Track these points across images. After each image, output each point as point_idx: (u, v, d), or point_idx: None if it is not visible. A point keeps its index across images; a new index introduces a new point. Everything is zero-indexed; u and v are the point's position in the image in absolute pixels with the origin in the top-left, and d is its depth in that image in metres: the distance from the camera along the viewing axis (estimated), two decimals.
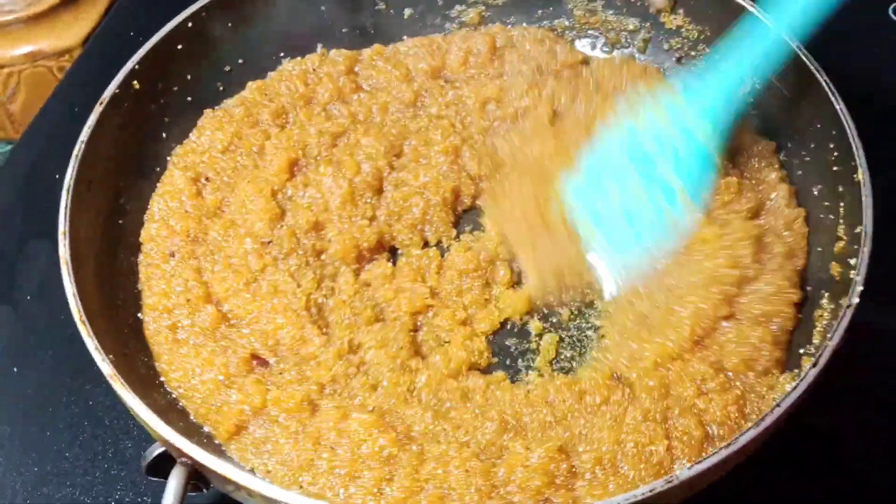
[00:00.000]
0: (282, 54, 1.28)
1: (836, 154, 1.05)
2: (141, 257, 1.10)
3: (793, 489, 1.02)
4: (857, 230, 0.96)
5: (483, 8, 1.34)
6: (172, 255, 1.08)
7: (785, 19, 1.04)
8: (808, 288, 1.05)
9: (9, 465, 1.05)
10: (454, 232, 1.16)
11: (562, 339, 1.08)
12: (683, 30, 1.28)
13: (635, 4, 1.30)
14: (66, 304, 0.92)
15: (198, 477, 0.83)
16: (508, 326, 1.09)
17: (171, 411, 0.95)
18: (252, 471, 0.92)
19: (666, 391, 0.96)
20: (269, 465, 0.92)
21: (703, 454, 0.91)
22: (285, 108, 1.22)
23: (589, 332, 1.08)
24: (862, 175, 0.99)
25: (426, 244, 1.15)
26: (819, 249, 1.06)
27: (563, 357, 1.06)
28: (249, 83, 1.24)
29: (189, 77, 1.21)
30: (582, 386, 0.97)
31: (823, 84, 1.06)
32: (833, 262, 1.01)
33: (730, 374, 0.97)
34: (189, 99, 1.20)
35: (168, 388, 0.99)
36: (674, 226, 1.05)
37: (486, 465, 0.89)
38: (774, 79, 1.13)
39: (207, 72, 1.22)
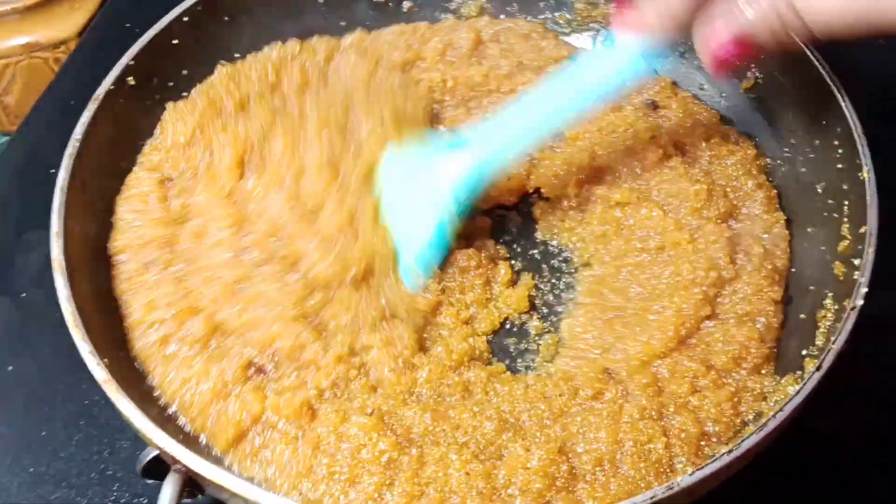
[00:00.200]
0: None
1: (840, 151, 1.04)
2: (115, 272, 1.02)
3: (795, 492, 1.02)
4: (862, 230, 0.95)
5: (484, 0, 1.33)
6: (147, 267, 1.01)
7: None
8: (811, 288, 1.03)
9: (3, 465, 1.04)
10: None
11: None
12: None
13: None
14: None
15: (192, 484, 0.82)
16: (508, 326, 1.08)
17: (168, 422, 0.93)
18: (251, 479, 0.91)
19: (659, 389, 0.96)
20: (267, 473, 0.91)
21: (701, 451, 0.91)
22: (249, 98, 1.14)
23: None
24: (867, 173, 0.98)
25: None
26: (822, 248, 1.04)
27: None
28: (219, 66, 1.18)
29: (184, 73, 1.19)
30: (575, 383, 0.96)
31: (829, 81, 1.05)
32: (837, 262, 1.00)
33: (721, 371, 0.97)
34: (184, 95, 1.18)
35: (164, 402, 0.95)
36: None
37: (487, 468, 0.88)
38: (780, 75, 1.12)
39: (203, 67, 1.20)
